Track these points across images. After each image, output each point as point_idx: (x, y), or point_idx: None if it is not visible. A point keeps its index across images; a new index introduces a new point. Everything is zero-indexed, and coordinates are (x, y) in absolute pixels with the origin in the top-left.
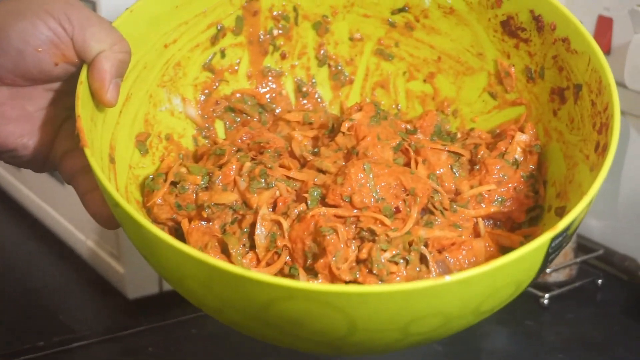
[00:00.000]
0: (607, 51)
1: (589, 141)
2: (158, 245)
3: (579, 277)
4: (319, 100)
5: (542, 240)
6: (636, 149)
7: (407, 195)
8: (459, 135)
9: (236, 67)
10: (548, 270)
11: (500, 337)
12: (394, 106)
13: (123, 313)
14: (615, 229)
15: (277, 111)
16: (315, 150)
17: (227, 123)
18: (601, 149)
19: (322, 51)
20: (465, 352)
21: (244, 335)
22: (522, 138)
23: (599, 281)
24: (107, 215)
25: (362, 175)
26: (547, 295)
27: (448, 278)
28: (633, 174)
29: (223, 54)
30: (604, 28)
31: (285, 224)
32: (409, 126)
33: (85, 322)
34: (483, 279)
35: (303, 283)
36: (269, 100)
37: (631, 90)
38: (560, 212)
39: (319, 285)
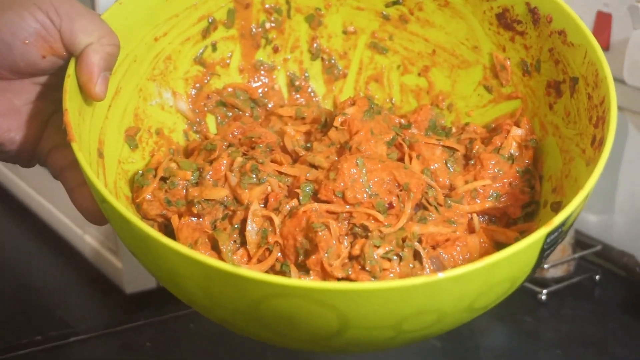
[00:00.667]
0: (606, 47)
1: (585, 135)
2: (146, 242)
3: (577, 273)
4: (312, 94)
5: (538, 236)
6: (634, 145)
7: (401, 190)
8: (453, 129)
9: (228, 61)
10: (546, 266)
11: (498, 333)
12: (388, 100)
13: (121, 308)
14: (613, 225)
15: (270, 106)
16: (308, 145)
17: (219, 118)
18: (597, 143)
19: (315, 44)
20: (463, 349)
21: None
22: (517, 132)
23: (597, 277)
24: (95, 210)
25: (355, 171)
26: (544, 291)
27: (441, 275)
28: (631, 170)
29: (214, 47)
30: (603, 24)
31: (277, 220)
32: (402, 121)
33: (82, 317)
34: (477, 276)
35: (294, 280)
36: (261, 94)
37: (630, 86)
38: (556, 207)
39: (310, 282)
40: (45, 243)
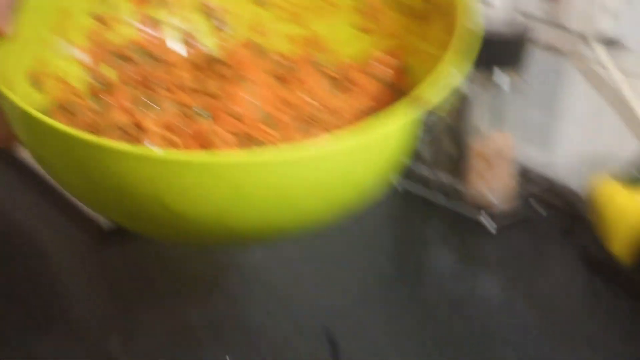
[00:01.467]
0: None
1: (445, 47)
2: (32, 124)
3: (523, 209)
4: (202, 49)
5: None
6: (572, 82)
7: (289, 109)
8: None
9: (124, 17)
10: (495, 202)
11: (445, 262)
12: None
13: (97, 243)
14: (557, 162)
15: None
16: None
17: (116, 71)
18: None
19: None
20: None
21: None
22: (390, 62)
23: (541, 212)
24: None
25: (247, 95)
26: (493, 226)
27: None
28: (573, 108)
29: (108, 2)
30: None
31: (179, 142)
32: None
33: (59, 251)
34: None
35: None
36: (155, 49)
37: (571, 32)
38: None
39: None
40: (26, 183)
